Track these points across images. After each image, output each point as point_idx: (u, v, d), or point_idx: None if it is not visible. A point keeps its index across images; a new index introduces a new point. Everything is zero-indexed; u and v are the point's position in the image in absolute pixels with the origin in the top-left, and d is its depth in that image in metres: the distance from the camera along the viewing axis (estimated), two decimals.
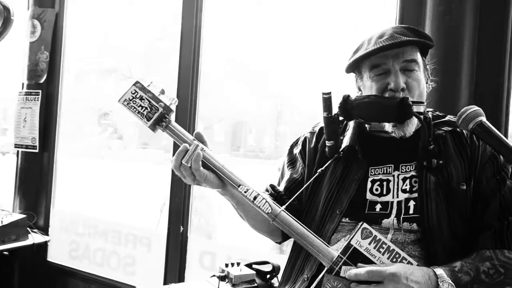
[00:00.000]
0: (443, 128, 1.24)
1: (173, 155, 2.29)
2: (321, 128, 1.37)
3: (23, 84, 2.96)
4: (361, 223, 1.07)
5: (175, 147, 2.28)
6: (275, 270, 1.74)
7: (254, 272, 1.71)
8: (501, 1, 1.54)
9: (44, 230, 2.93)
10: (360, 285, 1.00)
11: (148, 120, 1.16)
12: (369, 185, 1.22)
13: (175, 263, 2.34)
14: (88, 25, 3.19)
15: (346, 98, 1.21)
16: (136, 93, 1.18)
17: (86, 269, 2.77)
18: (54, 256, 2.93)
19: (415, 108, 1.15)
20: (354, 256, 1.04)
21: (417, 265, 1.05)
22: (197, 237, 2.46)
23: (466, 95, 1.55)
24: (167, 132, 1.17)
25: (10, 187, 3.04)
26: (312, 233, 1.09)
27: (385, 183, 1.21)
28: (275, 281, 1.72)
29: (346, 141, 1.27)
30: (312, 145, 1.35)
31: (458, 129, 1.23)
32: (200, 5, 2.33)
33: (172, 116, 1.17)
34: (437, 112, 1.32)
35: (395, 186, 1.20)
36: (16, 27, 2.95)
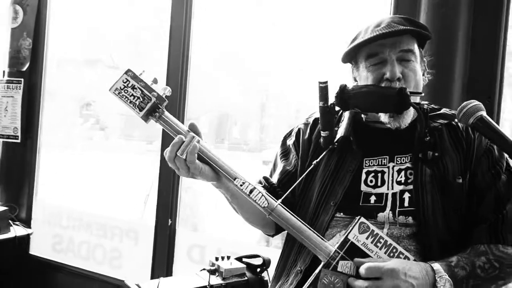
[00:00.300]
0: (438, 121, 1.23)
1: (162, 146, 2.28)
2: (315, 119, 1.34)
3: (4, 71, 2.87)
4: (358, 217, 1.05)
5: (165, 138, 2.25)
6: (265, 263, 1.72)
7: (245, 265, 1.69)
8: None
9: (26, 223, 2.86)
10: (358, 280, 0.99)
11: (141, 110, 1.12)
12: (363, 176, 1.20)
13: (163, 256, 2.31)
14: (72, 12, 3.09)
15: (343, 88, 1.19)
16: (128, 82, 1.14)
17: (71, 263, 2.72)
18: (37, 249, 2.86)
19: (412, 99, 1.14)
20: (351, 251, 1.02)
21: (414, 259, 1.04)
22: (184, 230, 2.42)
23: (459, 88, 1.55)
24: (160, 123, 1.12)
25: None
26: (309, 227, 1.07)
27: (379, 174, 1.20)
28: (265, 275, 1.71)
29: (340, 131, 1.25)
30: (306, 136, 1.33)
31: (453, 122, 1.22)
32: None
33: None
34: (432, 105, 1.31)
35: (390, 178, 1.18)
36: None
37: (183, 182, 2.29)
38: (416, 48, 1.21)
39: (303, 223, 1.07)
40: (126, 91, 1.13)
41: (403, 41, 1.18)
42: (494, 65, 1.55)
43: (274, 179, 1.34)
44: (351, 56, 1.26)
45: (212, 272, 1.66)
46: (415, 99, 1.19)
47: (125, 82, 1.14)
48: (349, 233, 1.04)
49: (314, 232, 1.07)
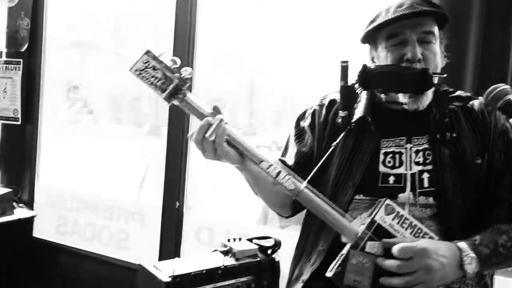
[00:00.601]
0: (454, 103, 1.23)
1: (168, 129, 2.26)
2: (330, 101, 1.34)
3: (1, 52, 2.80)
4: (384, 199, 1.06)
5: (172, 121, 2.21)
6: (277, 244, 1.74)
7: (257, 246, 1.71)
8: None
9: (29, 205, 2.84)
10: (388, 260, 1.00)
11: (163, 92, 1.11)
12: (381, 157, 1.21)
13: (171, 238, 2.31)
14: None
15: (365, 67, 1.19)
16: (148, 63, 1.12)
17: (76, 245, 2.72)
18: (40, 232, 2.85)
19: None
20: (378, 232, 1.03)
21: (438, 239, 1.06)
22: (189, 213, 2.43)
23: (471, 72, 1.55)
24: (183, 105, 1.12)
25: None
26: (336, 208, 1.08)
27: (397, 155, 1.20)
28: (276, 256, 1.73)
29: (358, 112, 1.25)
30: (322, 118, 1.32)
31: (468, 105, 1.23)
32: None
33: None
34: (446, 87, 1.31)
35: (408, 159, 1.19)
36: None
37: (189, 164, 2.29)
38: (436, 29, 1.20)
39: (330, 204, 1.08)
40: (147, 72, 1.11)
41: (425, 22, 1.17)
42: (507, 50, 1.55)
43: (290, 161, 1.34)
44: (371, 37, 1.25)
45: (225, 253, 1.67)
46: (435, 80, 1.19)
47: (145, 63, 1.12)
48: (375, 214, 1.04)
49: (340, 214, 1.07)
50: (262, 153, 1.11)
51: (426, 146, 1.19)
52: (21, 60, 2.73)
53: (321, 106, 1.35)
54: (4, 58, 2.78)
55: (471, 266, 1.02)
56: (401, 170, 1.18)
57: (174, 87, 1.10)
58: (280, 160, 1.35)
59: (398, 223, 1.04)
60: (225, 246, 1.70)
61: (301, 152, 1.33)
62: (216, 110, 1.11)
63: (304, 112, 1.39)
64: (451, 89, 1.29)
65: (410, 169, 1.18)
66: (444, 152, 1.16)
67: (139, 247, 2.57)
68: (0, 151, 2.89)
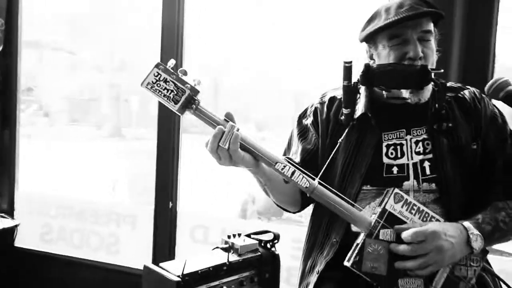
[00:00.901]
0: (448, 94, 1.33)
1: (158, 130, 2.25)
2: (330, 98, 1.41)
3: None
4: (392, 188, 1.16)
5: (162, 122, 2.19)
6: (276, 238, 1.80)
7: (257, 241, 1.76)
8: None
9: (9, 214, 2.76)
10: (401, 245, 1.10)
11: (176, 104, 1.13)
12: (384, 149, 1.30)
13: (165, 240, 2.33)
14: None
15: (368, 66, 1.26)
16: (160, 76, 1.14)
17: (63, 252, 2.68)
18: (23, 241, 2.77)
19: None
20: (390, 220, 1.12)
21: (444, 221, 1.16)
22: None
23: (456, 61, 1.66)
24: (197, 114, 1.14)
25: None
26: (348, 200, 1.16)
27: (398, 147, 1.29)
28: (275, 249, 1.78)
29: (360, 108, 1.33)
30: (324, 115, 1.39)
31: (459, 95, 1.33)
32: None
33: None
34: (443, 81, 1.39)
35: (409, 149, 1.28)
36: None
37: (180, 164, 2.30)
38: (432, 27, 1.29)
39: (342, 197, 1.15)
40: (158, 85, 1.13)
41: (424, 22, 1.25)
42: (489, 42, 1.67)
43: (296, 159, 1.39)
44: (370, 36, 1.31)
45: (227, 250, 1.71)
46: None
47: (156, 76, 1.14)
48: (386, 203, 1.13)
49: (352, 205, 1.16)
50: (276, 155, 1.16)
51: (424, 136, 1.29)
52: None
53: (322, 104, 1.41)
54: None
55: (477, 243, 1.13)
56: (403, 161, 1.28)
57: (186, 98, 1.12)
58: (287, 158, 1.40)
59: (407, 210, 1.14)
60: (226, 242, 1.75)
61: (306, 149, 1.39)
62: (228, 117, 1.14)
63: (305, 110, 1.45)
64: (443, 81, 1.37)
65: (412, 159, 1.27)
66: (442, 141, 1.26)
67: (129, 251, 2.57)
68: None
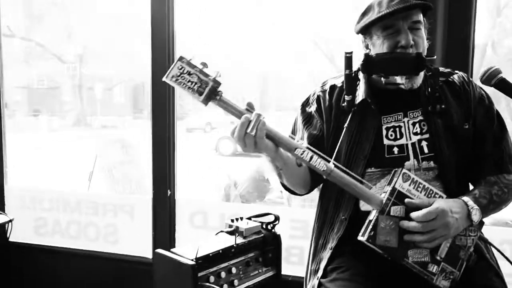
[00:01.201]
0: (440, 79, 1.45)
1: (152, 119, 2.27)
2: (331, 86, 1.50)
3: None
4: (400, 169, 1.27)
5: (156, 111, 2.20)
6: (277, 219, 1.89)
7: (260, 223, 1.85)
8: None
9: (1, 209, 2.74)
10: (410, 222, 1.21)
11: (200, 95, 1.19)
12: (384, 132, 1.41)
13: (165, 227, 2.37)
14: None
15: (367, 56, 1.37)
16: (183, 69, 1.19)
17: (59, 244, 2.68)
18: (17, 236, 2.75)
19: None
20: (399, 197, 1.24)
21: (446, 197, 1.29)
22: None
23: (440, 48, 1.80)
24: (221, 105, 1.20)
25: None
26: (362, 180, 1.27)
27: (397, 129, 1.41)
28: (276, 230, 1.88)
29: (360, 95, 1.43)
30: (327, 103, 1.48)
31: (449, 79, 1.45)
32: None
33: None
34: (436, 66, 1.52)
35: (407, 130, 1.40)
36: None
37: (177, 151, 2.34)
38: (422, 17, 1.40)
39: (356, 178, 1.26)
40: (183, 78, 1.18)
41: (414, 13, 1.36)
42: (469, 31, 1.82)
43: (303, 144, 1.48)
44: (365, 28, 1.41)
45: (232, 233, 1.78)
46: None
47: (180, 69, 1.18)
48: (395, 183, 1.24)
49: (365, 185, 1.26)
50: (293, 141, 1.25)
51: (420, 118, 1.41)
52: None
53: (323, 92, 1.51)
54: None
55: (476, 216, 1.26)
56: (402, 141, 1.39)
57: (210, 89, 1.18)
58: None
59: (414, 188, 1.26)
60: (231, 226, 1.83)
61: (312, 135, 1.48)
62: (250, 107, 1.21)
63: (308, 99, 1.54)
64: (434, 67, 1.50)
65: (410, 139, 1.39)
66: (437, 121, 1.39)
67: (127, 240, 2.60)
68: None
